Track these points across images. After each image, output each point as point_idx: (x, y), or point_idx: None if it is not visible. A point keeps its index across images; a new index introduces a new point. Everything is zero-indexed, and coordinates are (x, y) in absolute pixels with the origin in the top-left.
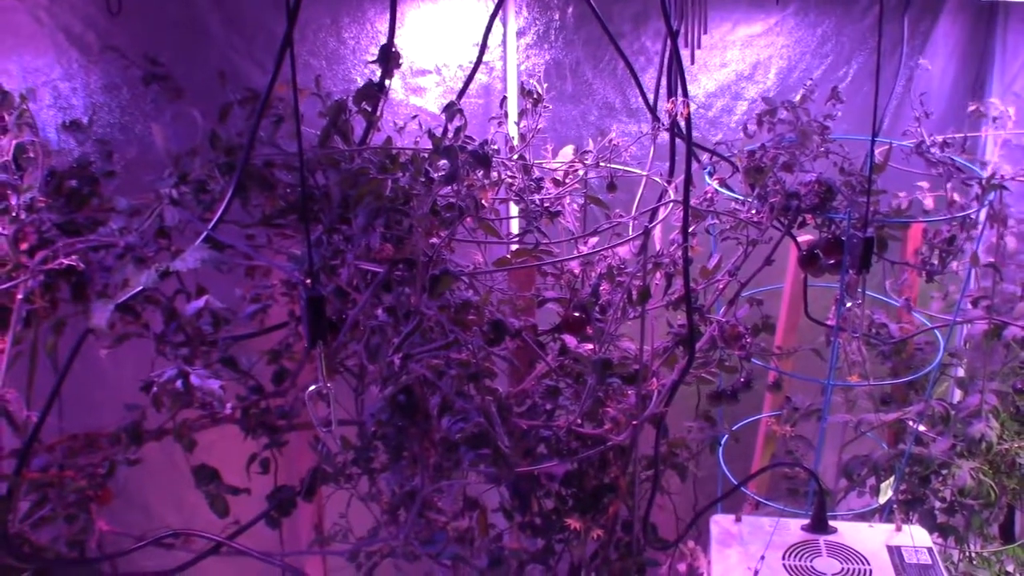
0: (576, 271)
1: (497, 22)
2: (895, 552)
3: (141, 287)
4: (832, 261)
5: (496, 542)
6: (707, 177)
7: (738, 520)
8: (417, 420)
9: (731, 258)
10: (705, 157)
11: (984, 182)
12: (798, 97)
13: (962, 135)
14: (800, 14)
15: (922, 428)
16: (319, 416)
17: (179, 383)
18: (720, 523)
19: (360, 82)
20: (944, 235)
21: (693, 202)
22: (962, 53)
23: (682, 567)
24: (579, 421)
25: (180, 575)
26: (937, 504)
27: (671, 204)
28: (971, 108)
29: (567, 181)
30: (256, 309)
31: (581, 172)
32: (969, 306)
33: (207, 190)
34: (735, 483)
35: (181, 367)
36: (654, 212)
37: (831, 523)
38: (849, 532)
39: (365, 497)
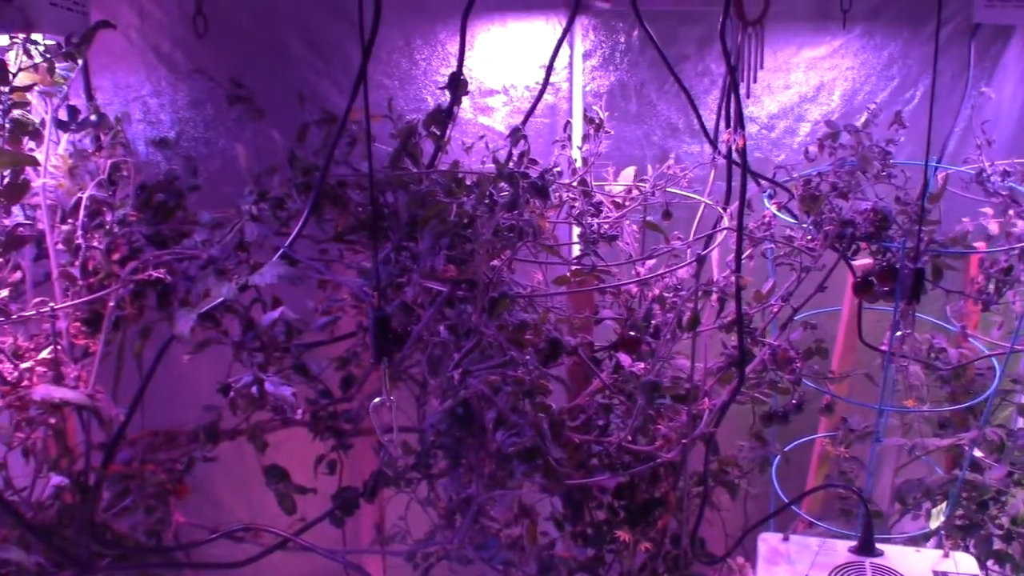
0: (633, 291)
1: (564, 44)
2: None
3: (222, 298)
4: (886, 288)
5: (548, 550)
6: (766, 201)
7: (786, 539)
8: (474, 432)
9: (787, 282)
10: (764, 181)
11: None
12: (861, 121)
13: None
14: (866, 36)
15: (980, 454)
16: (382, 424)
17: (254, 388)
18: (768, 541)
19: (431, 102)
20: (1002, 264)
21: (750, 226)
22: None
23: None
24: (630, 437)
25: (248, 567)
26: (995, 531)
27: (724, 231)
28: None
29: (627, 204)
30: (327, 321)
31: (639, 196)
32: None
33: (284, 207)
34: (786, 502)
35: (256, 373)
36: (709, 238)
37: (879, 546)
38: (896, 556)
39: (424, 501)
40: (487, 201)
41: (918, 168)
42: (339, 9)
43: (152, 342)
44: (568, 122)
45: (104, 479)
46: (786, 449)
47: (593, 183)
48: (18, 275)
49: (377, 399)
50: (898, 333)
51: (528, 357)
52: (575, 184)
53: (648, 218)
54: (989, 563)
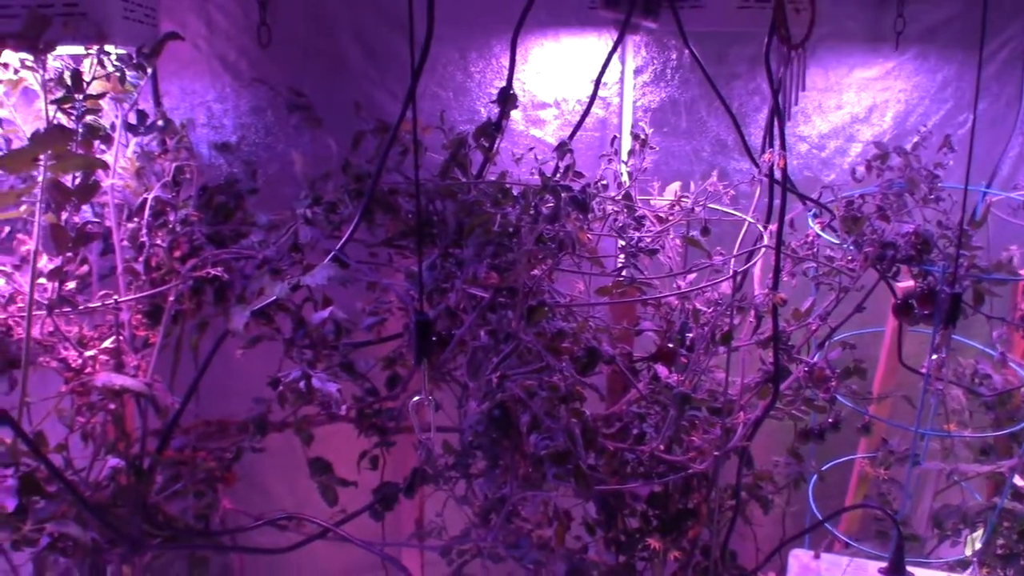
0: (674, 304)
1: (616, 60)
2: None
3: (275, 297)
4: (926, 312)
5: (580, 554)
6: (810, 220)
7: (817, 556)
8: (510, 434)
9: (826, 302)
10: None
11: None
12: (911, 144)
13: None
14: (920, 59)
15: (1021, 482)
16: (422, 423)
17: (302, 383)
18: (799, 558)
19: (484, 114)
20: None
21: (792, 244)
22: None
23: None
24: (662, 447)
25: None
26: None
27: (763, 249)
28: None
29: (669, 219)
30: (374, 321)
31: (681, 211)
32: None
33: (337, 212)
34: (819, 519)
35: (305, 369)
36: (750, 255)
37: (910, 568)
38: None
39: (461, 499)
40: (531, 212)
41: (972, 193)
42: (396, 20)
43: (208, 336)
44: (616, 137)
45: (158, 464)
46: (823, 468)
47: (638, 197)
48: (85, 268)
49: (416, 398)
50: (934, 356)
51: (564, 364)
52: (619, 198)
53: (691, 234)
54: None
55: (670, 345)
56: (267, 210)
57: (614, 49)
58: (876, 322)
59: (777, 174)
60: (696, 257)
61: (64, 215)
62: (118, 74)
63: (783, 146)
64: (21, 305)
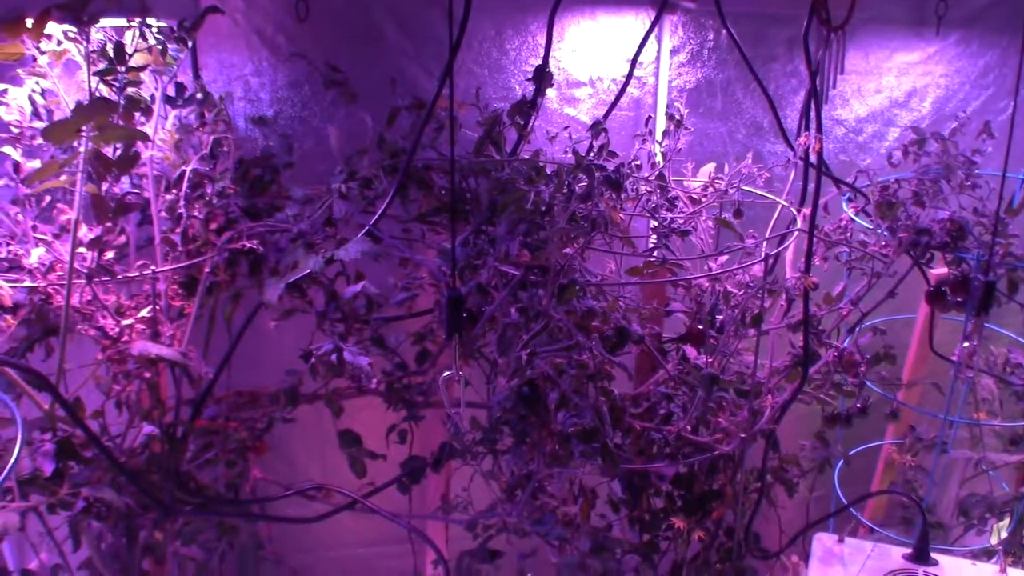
0: (704, 285)
1: (652, 39)
2: None
3: (308, 270)
4: (959, 299)
5: (605, 531)
6: (844, 204)
7: (841, 540)
8: (537, 411)
9: (858, 287)
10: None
11: None
12: (949, 130)
13: None
14: (962, 44)
15: None
16: (451, 398)
17: (334, 356)
18: (823, 541)
19: (519, 91)
20: None
21: (826, 228)
22: None
23: None
24: (688, 428)
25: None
26: None
27: (796, 233)
28: None
29: (703, 200)
30: (406, 297)
31: (715, 193)
32: None
33: (371, 187)
34: (845, 504)
35: (336, 343)
36: (782, 238)
37: (934, 556)
38: (950, 567)
39: (487, 475)
40: (564, 191)
41: (1010, 180)
42: None
43: (242, 308)
44: (650, 117)
45: (191, 432)
46: (850, 453)
47: (671, 178)
48: (122, 239)
49: (447, 373)
50: (965, 344)
51: (593, 343)
52: (652, 178)
53: (724, 215)
54: None
55: (700, 326)
56: (302, 184)
57: (651, 28)
58: (908, 308)
59: (812, 158)
60: (728, 239)
61: (104, 186)
62: (160, 47)
63: (819, 129)
64: (60, 274)
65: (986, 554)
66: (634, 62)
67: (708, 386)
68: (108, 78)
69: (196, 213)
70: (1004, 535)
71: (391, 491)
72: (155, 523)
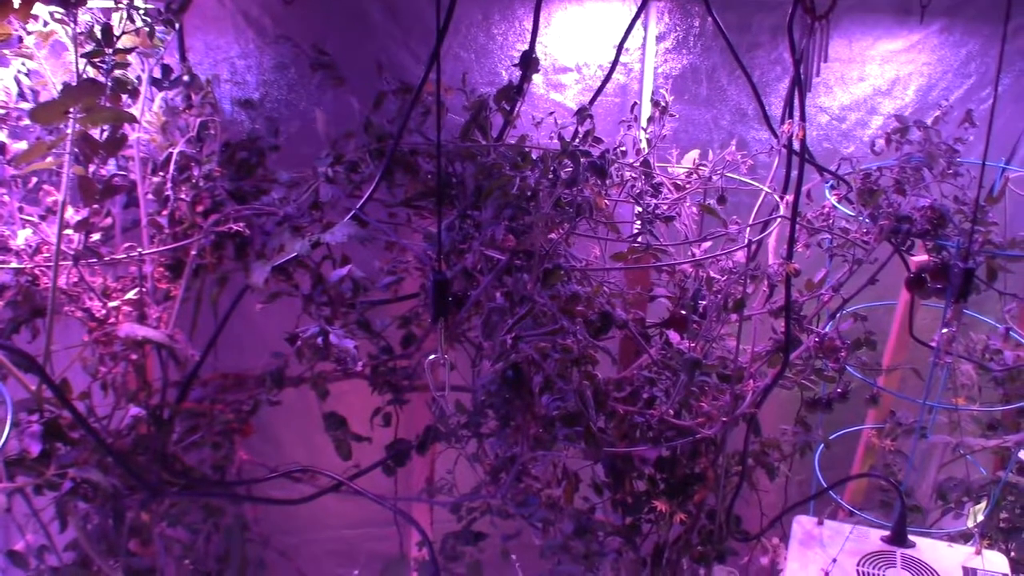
0: (688, 271)
1: (638, 26)
2: (970, 574)
3: (295, 253)
4: (939, 286)
5: (588, 513)
6: (827, 191)
7: (820, 523)
8: (522, 394)
9: (840, 273)
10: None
11: None
12: (932, 119)
13: None
14: (945, 32)
15: None
16: (436, 381)
17: (319, 339)
18: (803, 524)
19: (505, 76)
20: None
21: (808, 216)
22: None
23: (765, 561)
24: (671, 412)
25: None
26: None
27: (779, 220)
28: None
29: (687, 187)
30: (392, 280)
31: (699, 179)
32: None
33: (358, 171)
34: (824, 487)
35: (322, 326)
36: (765, 225)
37: (912, 538)
38: (927, 549)
39: (472, 458)
40: (549, 176)
41: (990, 168)
42: None
43: (228, 290)
44: (636, 103)
45: (177, 414)
46: (831, 438)
47: (656, 164)
48: (108, 221)
49: (432, 356)
50: (944, 331)
51: (578, 327)
52: (637, 164)
53: (708, 202)
54: None
55: (683, 312)
56: (288, 167)
57: (637, 15)
58: (889, 295)
59: (796, 145)
60: (712, 225)
61: (91, 168)
62: (147, 29)
63: (803, 117)
64: (47, 255)
65: (963, 537)
66: (620, 48)
67: (691, 371)
68: (95, 60)
69: (183, 196)
70: (980, 518)
71: (376, 473)
72: (141, 504)
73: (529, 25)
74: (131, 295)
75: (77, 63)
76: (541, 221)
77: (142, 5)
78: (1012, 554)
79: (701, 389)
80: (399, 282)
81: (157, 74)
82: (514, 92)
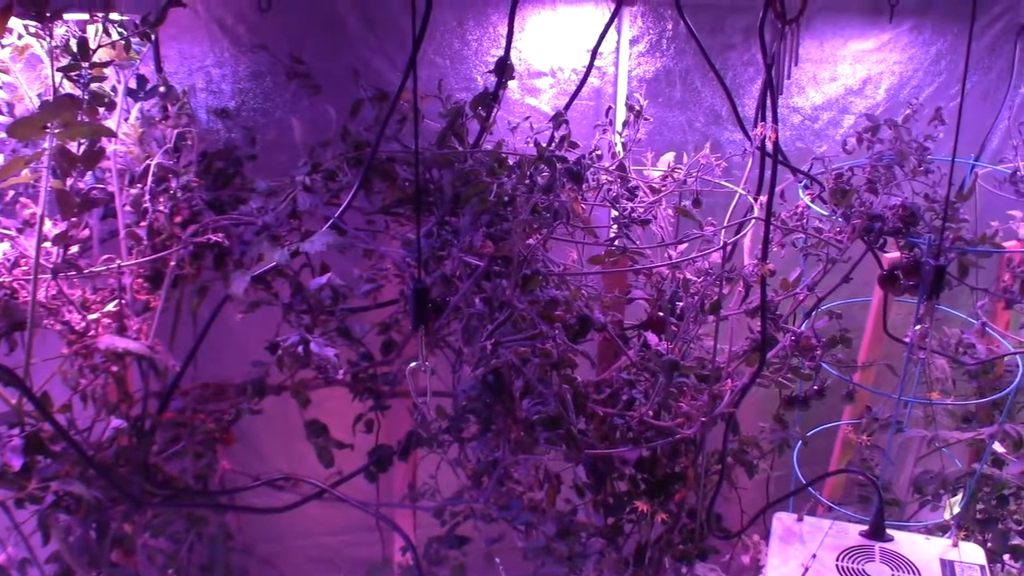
0: (665, 273)
1: (612, 30)
2: (947, 566)
3: (274, 263)
4: (911, 283)
5: (571, 515)
6: (800, 191)
7: (800, 519)
8: (503, 399)
9: (815, 272)
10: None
11: None
12: (902, 117)
13: None
14: (915, 31)
15: (1002, 449)
16: (418, 387)
17: (300, 348)
18: (783, 520)
19: (480, 82)
20: None
21: (783, 216)
22: None
23: (746, 559)
24: (651, 413)
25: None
26: (1013, 526)
27: (753, 220)
28: None
29: (662, 190)
30: (371, 288)
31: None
32: None
33: (336, 179)
34: (803, 483)
35: (303, 334)
36: (740, 226)
37: (890, 532)
38: (906, 542)
39: (454, 462)
40: (527, 182)
41: (960, 165)
42: None
43: (208, 300)
44: (611, 107)
45: (158, 425)
46: (808, 434)
47: (631, 168)
48: (86, 233)
49: (413, 363)
50: (917, 327)
51: (557, 331)
52: (613, 168)
53: (683, 204)
54: (1006, 558)
55: (660, 313)
56: (265, 176)
57: (611, 19)
58: (863, 292)
59: (768, 147)
60: (688, 227)
61: (69, 181)
62: (123, 42)
63: (775, 119)
64: (26, 268)
65: (940, 529)
66: (595, 52)
67: (669, 372)
68: (72, 74)
69: (161, 207)
70: (957, 510)
71: (359, 480)
72: (124, 516)
73: (503, 30)
74: (110, 307)
75: (53, 77)
76: (519, 227)
77: (118, 17)
78: (988, 545)
79: (680, 390)
80: (378, 289)
81: (133, 85)
82: (490, 98)
